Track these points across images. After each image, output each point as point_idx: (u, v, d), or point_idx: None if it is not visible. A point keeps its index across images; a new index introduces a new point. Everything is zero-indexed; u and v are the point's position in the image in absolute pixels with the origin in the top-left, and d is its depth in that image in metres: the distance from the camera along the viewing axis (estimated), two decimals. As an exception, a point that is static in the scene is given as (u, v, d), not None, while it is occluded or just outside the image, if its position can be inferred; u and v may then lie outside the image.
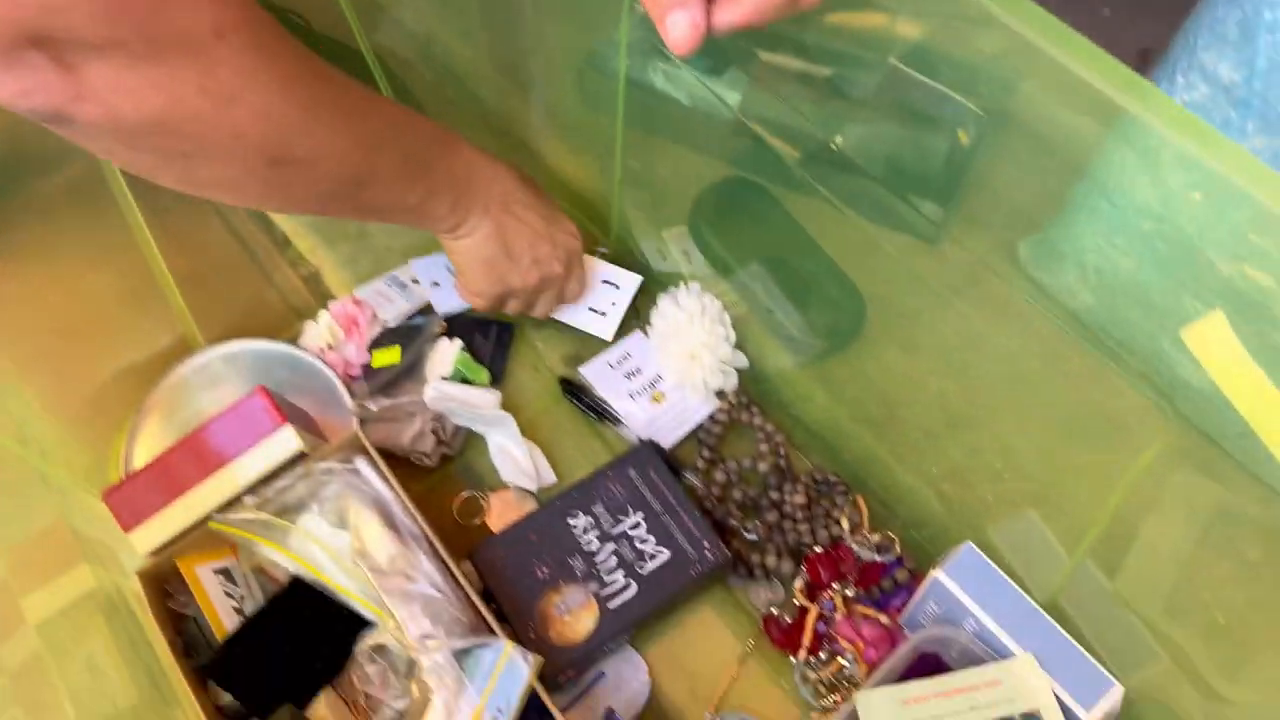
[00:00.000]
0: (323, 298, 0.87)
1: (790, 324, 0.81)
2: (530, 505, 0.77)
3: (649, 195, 0.88)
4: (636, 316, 0.87)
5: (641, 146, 0.86)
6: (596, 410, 0.81)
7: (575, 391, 0.82)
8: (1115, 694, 0.60)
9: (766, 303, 0.81)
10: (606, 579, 0.70)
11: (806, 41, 0.77)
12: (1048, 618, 0.62)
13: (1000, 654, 0.62)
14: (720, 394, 0.81)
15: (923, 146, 0.77)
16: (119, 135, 0.48)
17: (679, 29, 0.49)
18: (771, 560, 0.73)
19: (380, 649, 0.64)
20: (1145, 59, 0.91)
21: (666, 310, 0.81)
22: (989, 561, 0.64)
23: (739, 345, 0.82)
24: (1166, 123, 0.52)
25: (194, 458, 0.67)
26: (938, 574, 0.64)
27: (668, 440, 0.79)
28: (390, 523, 0.67)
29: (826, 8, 0.74)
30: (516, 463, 0.76)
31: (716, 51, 0.81)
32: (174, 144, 0.49)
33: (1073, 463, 0.72)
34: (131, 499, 0.66)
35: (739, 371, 0.82)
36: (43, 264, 0.78)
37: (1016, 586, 0.63)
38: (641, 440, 0.77)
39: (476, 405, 0.76)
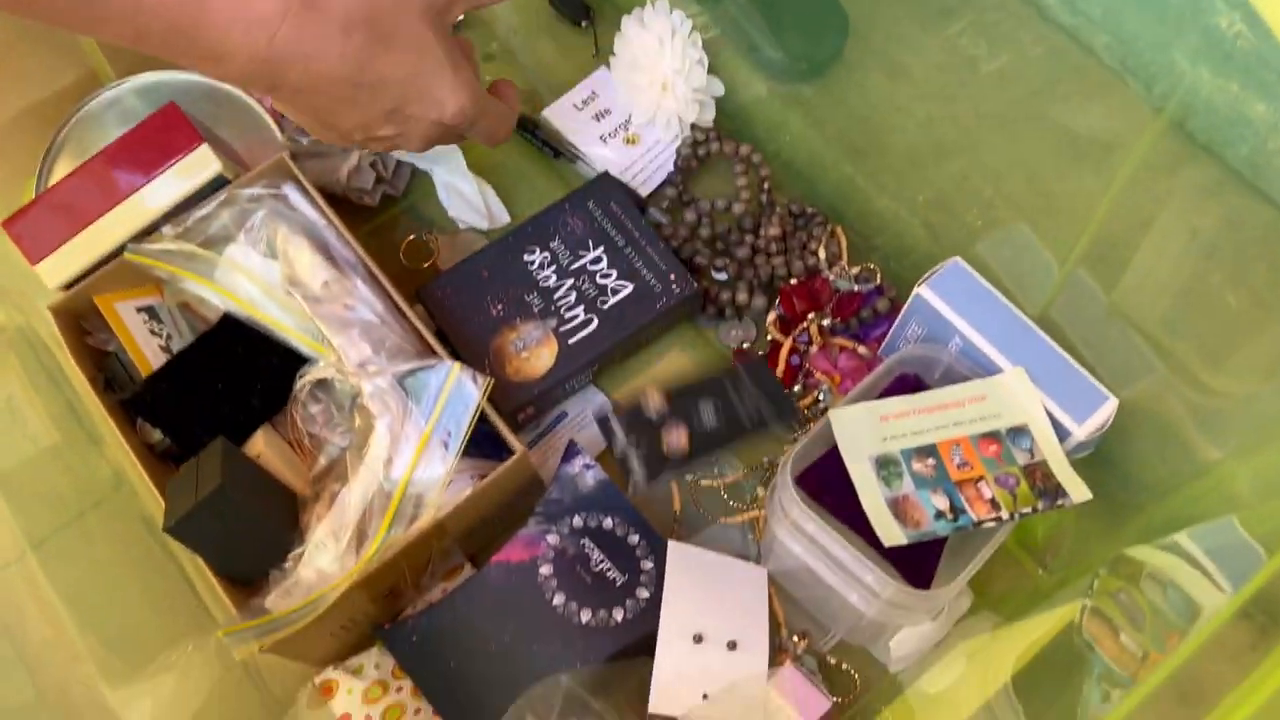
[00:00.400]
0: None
1: (766, 45, 0.73)
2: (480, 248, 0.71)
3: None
4: (597, 50, 0.79)
5: None
6: (553, 147, 0.74)
7: (529, 127, 0.75)
8: (1109, 407, 0.56)
9: (740, 21, 0.73)
10: (566, 315, 0.65)
11: None
12: (1039, 331, 0.57)
13: (988, 372, 0.58)
14: (694, 127, 0.74)
15: None
16: None
17: None
18: (743, 297, 0.68)
19: (322, 384, 0.60)
20: None
21: (631, 34, 0.73)
22: (977, 275, 0.59)
23: (711, 71, 0.74)
24: None
25: (101, 182, 0.60)
26: (921, 289, 0.59)
27: (647, 187, 0.73)
28: (324, 251, 0.61)
29: None
30: (466, 199, 0.70)
31: None
32: None
33: (1065, 182, 0.67)
34: (35, 229, 0.60)
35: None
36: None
37: (1006, 301, 0.58)
38: (602, 173, 0.71)
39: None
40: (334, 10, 0.48)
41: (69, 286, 0.60)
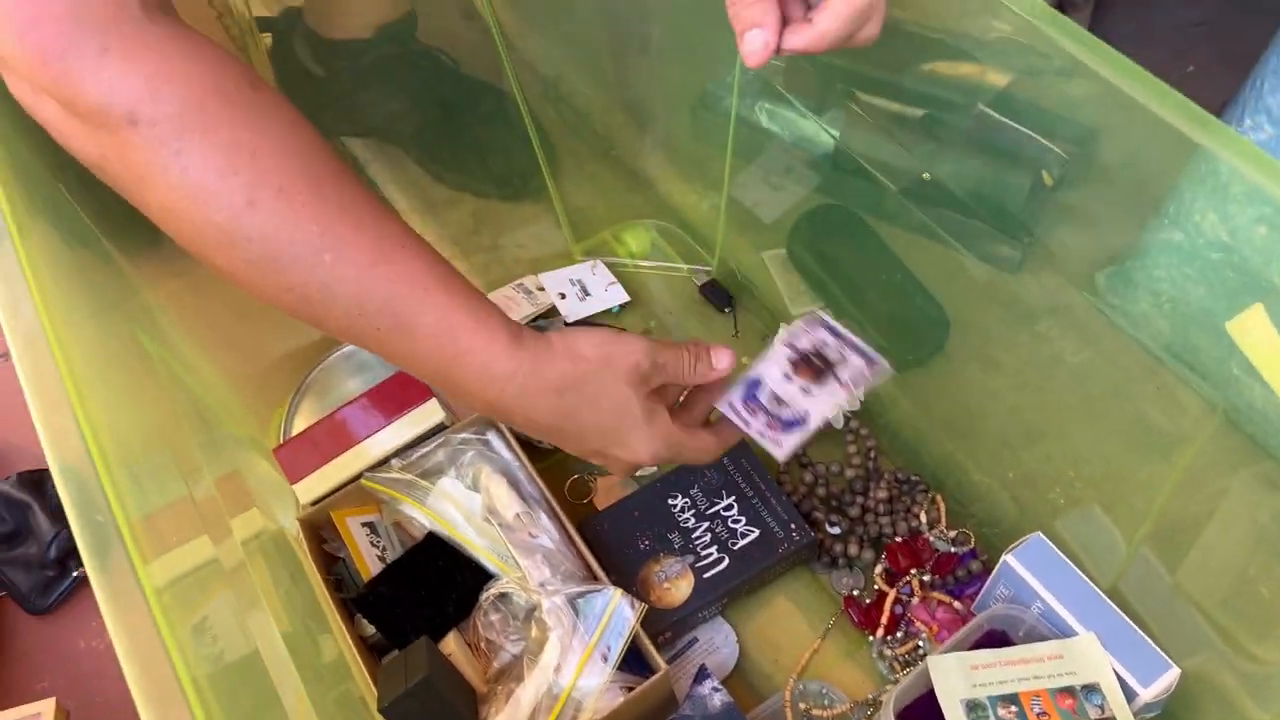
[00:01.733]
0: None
1: (880, 338, 0.88)
2: (631, 490, 0.85)
3: (751, 221, 0.97)
4: (736, 332, 0.95)
5: (746, 176, 0.95)
6: None
7: None
8: (1171, 675, 0.64)
9: (858, 318, 0.89)
10: (702, 553, 0.78)
11: (902, 85, 0.85)
12: (1109, 602, 0.67)
13: (1064, 634, 0.67)
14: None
15: (1008, 184, 0.83)
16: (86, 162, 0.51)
17: (754, 44, 0.58)
18: (854, 549, 0.80)
19: (503, 598, 0.73)
20: (1223, 113, 0.97)
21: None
22: (1056, 549, 0.70)
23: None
24: (1236, 158, 0.59)
25: (351, 423, 0.77)
26: (1008, 558, 0.70)
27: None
28: (516, 487, 0.76)
29: (921, 55, 0.82)
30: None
31: (818, 93, 0.90)
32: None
33: (1136, 469, 0.78)
34: (297, 456, 0.76)
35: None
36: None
37: (1081, 573, 0.69)
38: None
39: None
40: (552, 376, 0.58)
41: (315, 503, 0.76)
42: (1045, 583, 0.69)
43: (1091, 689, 0.65)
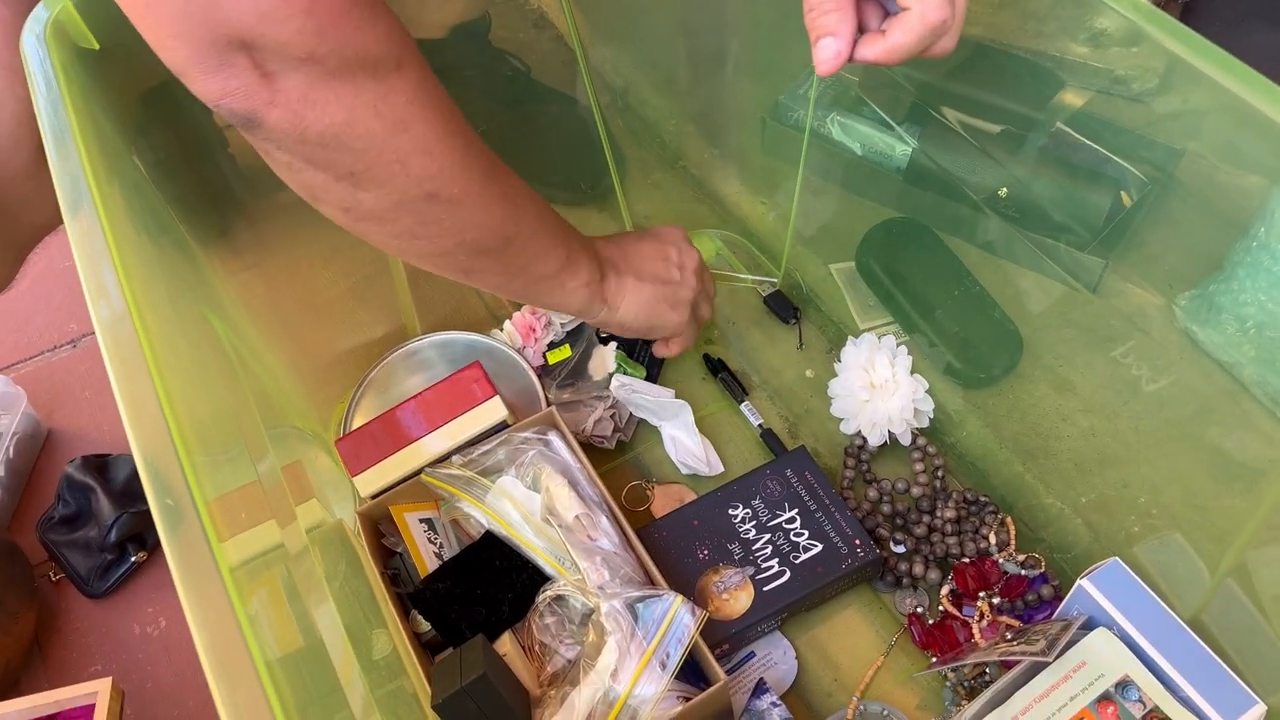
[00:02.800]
0: (516, 305, 0.97)
1: (952, 357, 0.86)
2: (690, 499, 0.84)
3: (819, 233, 0.96)
4: (801, 344, 0.94)
5: (815, 190, 0.94)
6: (740, 384, 0.89)
7: (716, 368, 0.91)
8: (1257, 711, 0.62)
9: (928, 333, 0.87)
10: (762, 565, 0.76)
11: (979, 100, 0.84)
12: (1191, 633, 0.65)
13: (1143, 662, 0.65)
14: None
15: (1086, 202, 0.82)
16: (299, 145, 0.52)
17: (826, 52, 0.57)
18: (919, 569, 0.77)
19: (559, 600, 0.72)
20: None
21: (849, 359, 0.87)
22: (1134, 576, 0.67)
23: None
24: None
25: (413, 419, 0.77)
26: (1083, 582, 0.67)
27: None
28: (575, 488, 0.75)
29: (999, 71, 0.81)
30: (690, 450, 0.84)
31: (895, 106, 0.88)
32: (344, 161, 0.54)
33: (1217, 500, 0.75)
34: (359, 448, 0.76)
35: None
36: (286, 256, 0.91)
37: (1160, 601, 0.66)
38: (799, 447, 0.83)
39: (658, 396, 0.84)
40: (616, 258, 0.76)
41: (374, 496, 0.76)
42: (1123, 609, 0.66)
43: (1125, 685, 0.62)
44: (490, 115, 1.02)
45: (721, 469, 0.85)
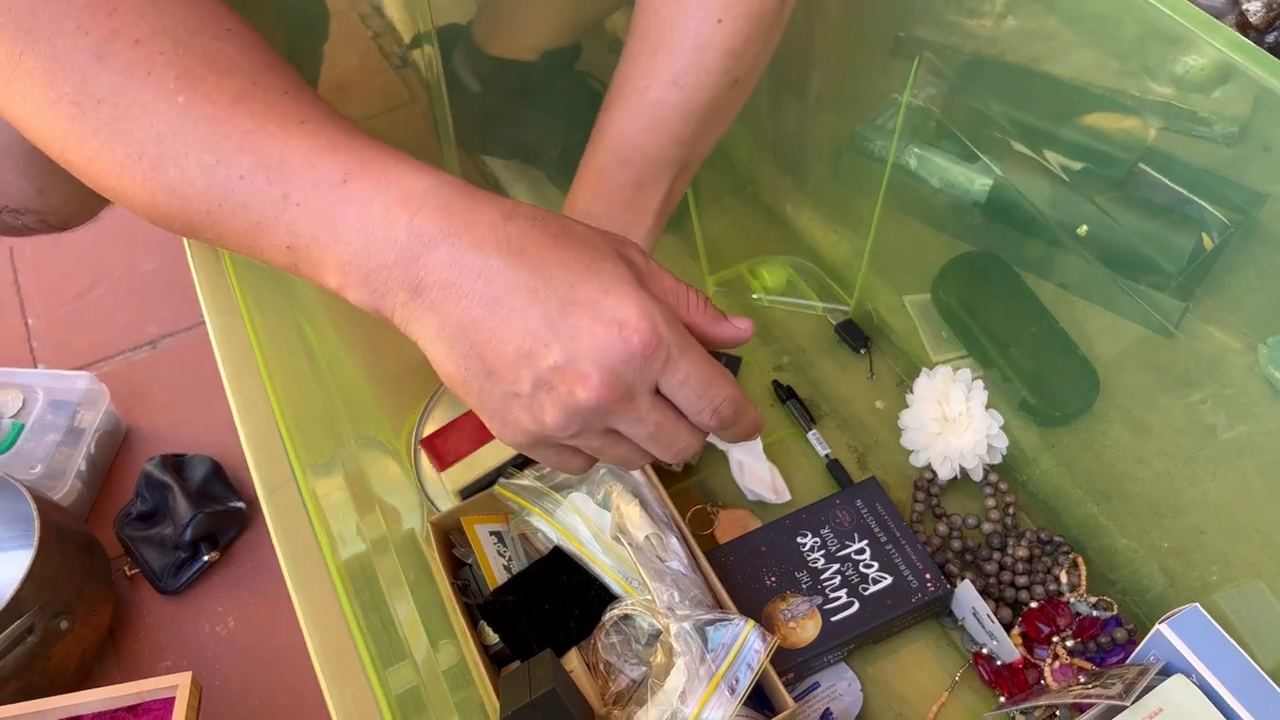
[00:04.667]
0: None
1: (1028, 393, 0.86)
2: (754, 525, 0.84)
3: (893, 264, 0.96)
4: (872, 373, 0.94)
5: (891, 219, 0.94)
6: (808, 411, 0.89)
7: (785, 394, 0.91)
8: (1341, 768, 0.60)
9: (1004, 369, 0.87)
10: (830, 595, 0.76)
11: (1061, 136, 0.84)
12: (1272, 683, 0.63)
13: (1224, 712, 0.63)
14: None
15: (1167, 244, 0.81)
16: None
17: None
18: (990, 606, 0.76)
19: (626, 619, 0.72)
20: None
21: (921, 391, 0.87)
22: (1214, 623, 0.66)
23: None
24: None
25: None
26: (1161, 627, 0.66)
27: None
28: (645, 508, 0.75)
29: (1081, 108, 0.81)
30: (758, 477, 0.84)
31: (975, 139, 0.88)
32: None
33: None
34: (445, 445, 0.78)
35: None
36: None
37: (1241, 650, 0.65)
38: (870, 477, 0.83)
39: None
40: (492, 200, 0.42)
41: (462, 491, 0.77)
42: (1202, 657, 0.65)
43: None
44: (570, 134, 1.04)
45: (789, 497, 0.85)
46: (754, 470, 0.84)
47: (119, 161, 0.43)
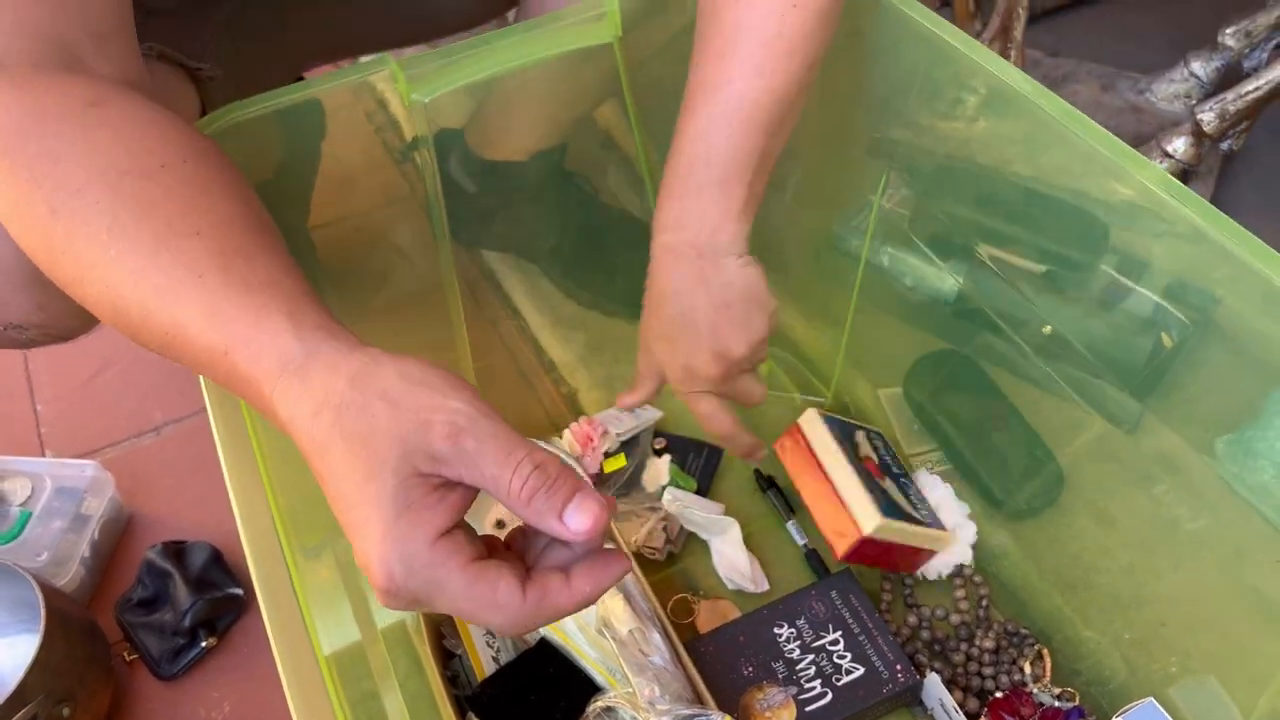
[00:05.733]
0: (577, 413, 1.02)
1: (992, 484, 0.89)
2: (734, 614, 0.87)
3: (869, 358, 1.00)
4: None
5: (867, 316, 0.99)
6: (788, 503, 0.93)
7: (765, 484, 0.94)
8: None
9: (971, 463, 0.91)
10: (805, 685, 0.79)
11: (1024, 239, 0.88)
12: (1225, 779, 0.66)
13: (1175, 807, 0.66)
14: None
15: (1128, 343, 0.85)
16: None
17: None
18: (957, 696, 0.79)
19: (608, 711, 0.75)
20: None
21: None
22: (1168, 718, 0.69)
23: (941, 499, 0.90)
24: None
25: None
26: (1118, 721, 0.69)
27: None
28: (629, 600, 0.78)
29: (1044, 212, 0.85)
30: (736, 567, 0.87)
31: (944, 241, 0.93)
32: None
33: (1256, 643, 0.76)
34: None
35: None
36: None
37: (1195, 745, 0.68)
38: (844, 569, 0.86)
39: (708, 511, 0.88)
40: (323, 380, 0.43)
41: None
42: (1157, 752, 0.68)
43: None
44: (563, 234, 1.09)
45: (767, 587, 0.88)
46: (733, 560, 0.88)
47: (94, 304, 0.49)
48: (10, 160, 0.48)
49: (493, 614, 0.41)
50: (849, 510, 0.82)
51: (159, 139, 0.51)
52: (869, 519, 0.80)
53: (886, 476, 0.88)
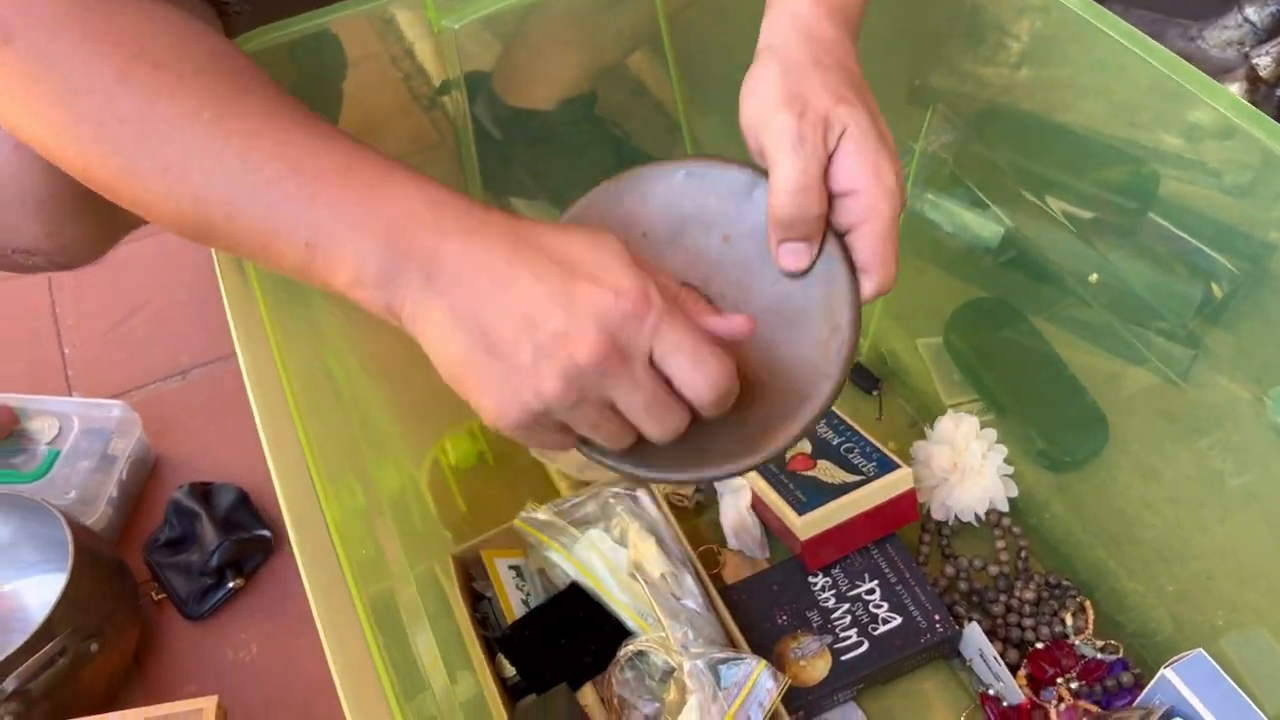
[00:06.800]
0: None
1: (1038, 439, 0.87)
2: (761, 565, 0.85)
3: (907, 307, 0.98)
4: (880, 415, 0.95)
5: (905, 263, 0.96)
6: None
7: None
8: (1343, 818, 0.61)
9: (1015, 413, 0.88)
10: (841, 634, 0.77)
11: (1072, 185, 0.85)
12: (1277, 731, 0.64)
13: (1225, 759, 0.64)
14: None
15: (1177, 292, 0.82)
16: None
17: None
18: (997, 647, 0.78)
19: (640, 656, 0.74)
20: None
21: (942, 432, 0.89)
22: (1219, 669, 0.67)
23: (980, 449, 0.88)
24: None
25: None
26: (1167, 672, 0.67)
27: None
28: (661, 546, 0.77)
29: (1093, 158, 0.83)
30: (748, 531, 0.85)
31: (988, 186, 0.91)
32: None
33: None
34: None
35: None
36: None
37: (1245, 696, 0.66)
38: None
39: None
40: (506, 210, 0.47)
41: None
42: (1206, 702, 0.66)
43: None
44: (593, 182, 1.06)
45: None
46: (742, 520, 0.85)
47: (143, 175, 0.46)
48: (76, 31, 0.45)
49: (717, 356, 0.45)
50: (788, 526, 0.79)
51: (230, 44, 0.50)
52: (797, 526, 0.77)
53: (821, 458, 0.85)
